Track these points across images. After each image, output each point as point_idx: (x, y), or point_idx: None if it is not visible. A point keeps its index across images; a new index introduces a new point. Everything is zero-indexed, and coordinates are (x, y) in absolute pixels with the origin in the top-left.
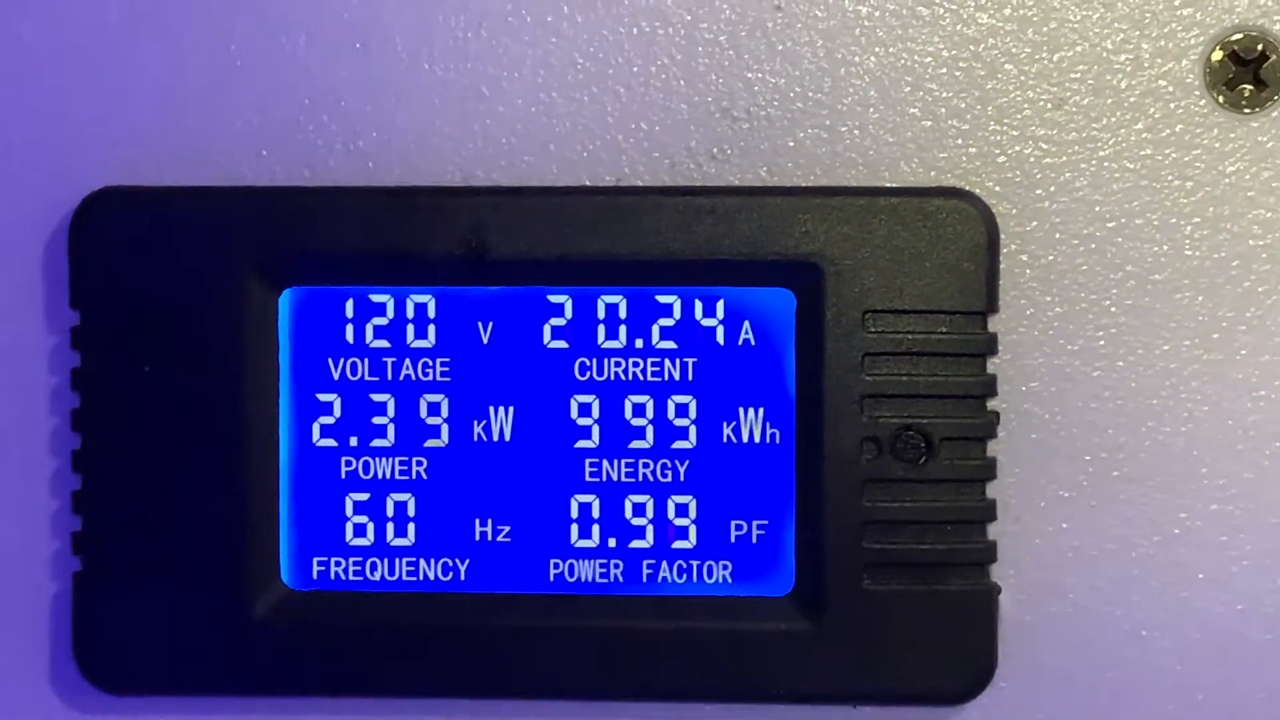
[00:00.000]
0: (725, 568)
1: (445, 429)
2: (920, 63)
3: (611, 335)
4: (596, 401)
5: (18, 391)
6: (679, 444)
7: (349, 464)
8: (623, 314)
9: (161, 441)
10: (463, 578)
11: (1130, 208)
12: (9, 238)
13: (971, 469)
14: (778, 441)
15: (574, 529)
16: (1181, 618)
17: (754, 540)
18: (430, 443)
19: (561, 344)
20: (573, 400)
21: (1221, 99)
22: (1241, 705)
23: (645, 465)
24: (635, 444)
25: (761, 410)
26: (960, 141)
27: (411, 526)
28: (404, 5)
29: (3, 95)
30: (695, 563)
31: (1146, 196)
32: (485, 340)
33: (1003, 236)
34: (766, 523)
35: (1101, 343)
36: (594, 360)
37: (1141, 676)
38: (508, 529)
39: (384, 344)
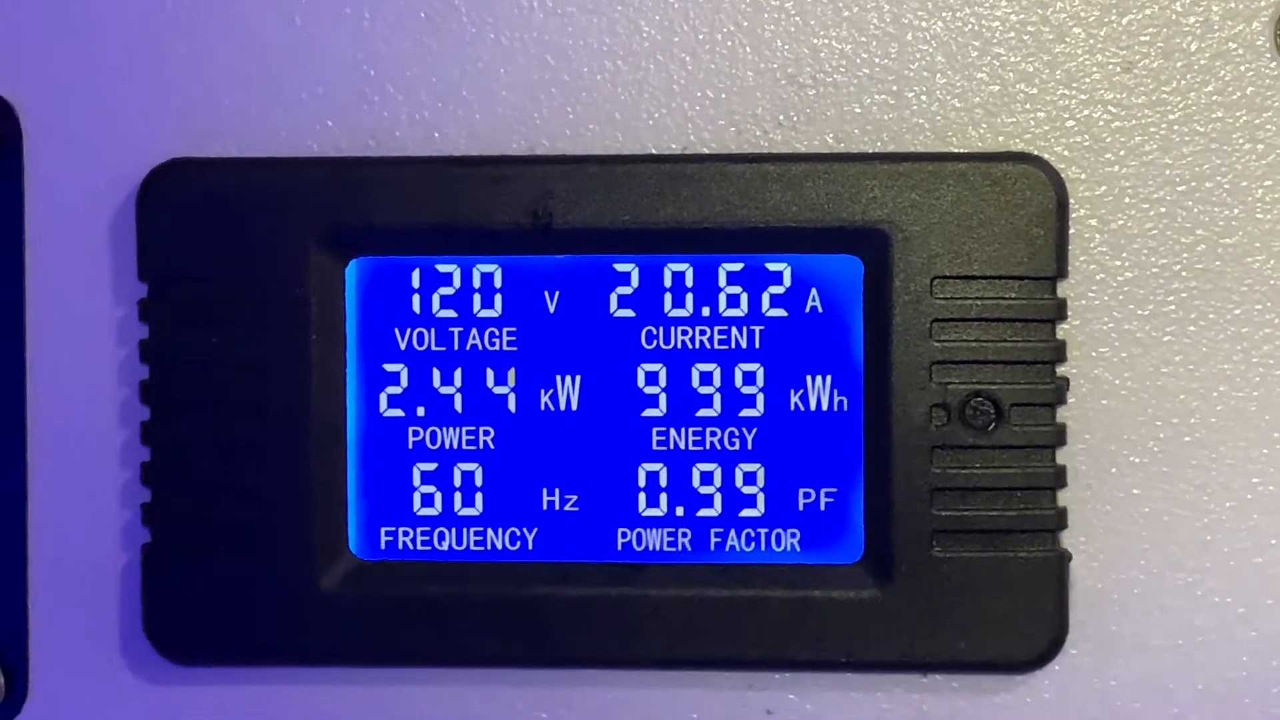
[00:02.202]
0: (793, 536)
1: (512, 398)
2: (988, 27)
3: (678, 303)
4: (663, 370)
5: (86, 364)
6: (746, 412)
7: (416, 434)
8: (689, 282)
9: (229, 413)
10: (530, 547)
11: (1200, 171)
12: (77, 211)
13: (1041, 435)
14: (845, 409)
15: (641, 498)
16: (1255, 584)
17: (822, 508)
18: (497, 412)
19: (628, 313)
20: (640, 369)
21: None
22: None
23: (713, 433)
24: (703, 412)
25: (829, 378)
26: (1028, 106)
27: (479, 496)
28: None
29: (70, 69)
30: (763, 531)
31: (1217, 160)
32: (552, 309)
33: (1072, 201)
34: (835, 490)
35: (1172, 307)
36: (660, 329)
37: (1215, 643)
38: (575, 498)
39: (450, 314)
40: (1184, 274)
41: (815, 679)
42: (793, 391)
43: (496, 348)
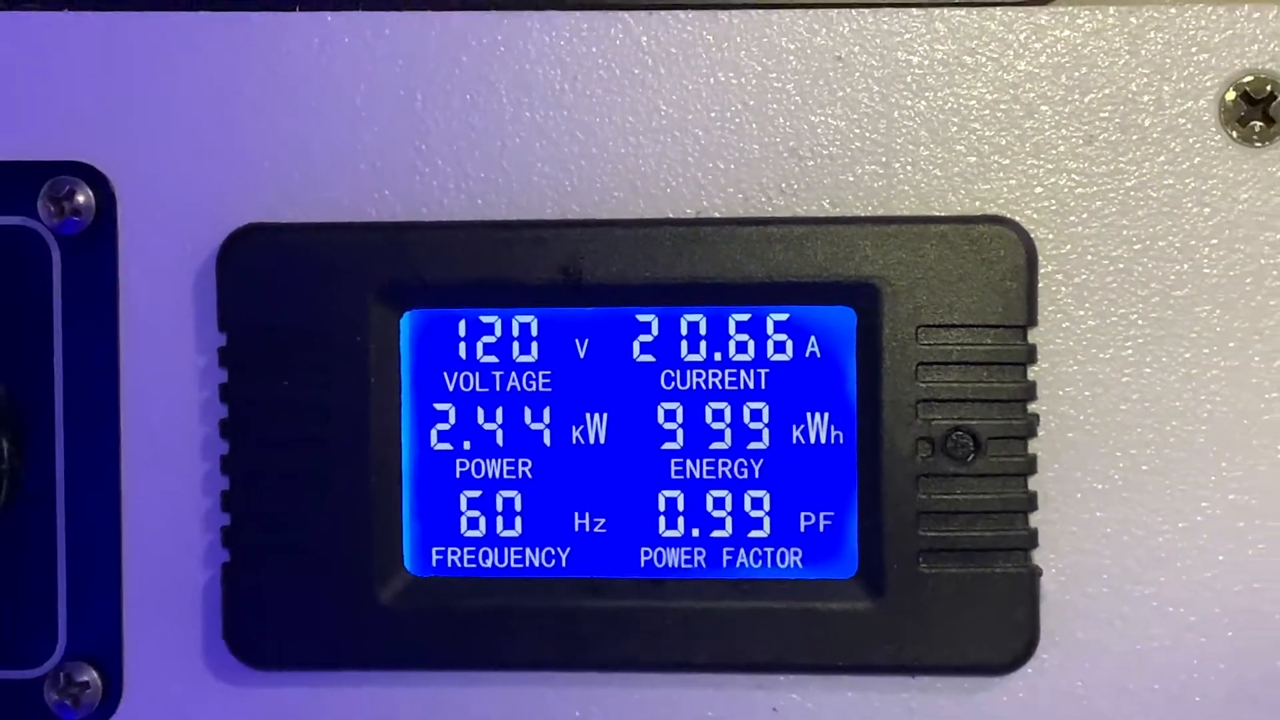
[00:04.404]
0: (796, 553)
1: (547, 433)
2: (965, 105)
3: (693, 349)
4: (680, 408)
5: (174, 405)
6: (754, 445)
7: (463, 465)
8: (703, 330)
9: (298, 447)
10: (564, 564)
11: (1154, 231)
12: (165, 270)
13: (1015, 465)
14: (841, 442)
15: (662, 520)
16: (1204, 596)
17: (821, 529)
18: (534, 446)
19: (649, 358)
20: (659, 407)
21: (1235, 134)
22: (1259, 675)
23: (724, 464)
24: (715, 445)
25: (827, 415)
26: (1002, 174)
27: (518, 519)
28: (507, 61)
29: (157, 143)
30: (769, 549)
31: (1169, 221)
32: (582, 355)
33: (1040, 258)
34: (832, 514)
35: (1130, 352)
36: (678, 372)
37: (1168, 649)
38: (603, 521)
39: (492, 359)
40: (1140, 322)
41: (816, 680)
42: (795, 427)
43: (533, 389)
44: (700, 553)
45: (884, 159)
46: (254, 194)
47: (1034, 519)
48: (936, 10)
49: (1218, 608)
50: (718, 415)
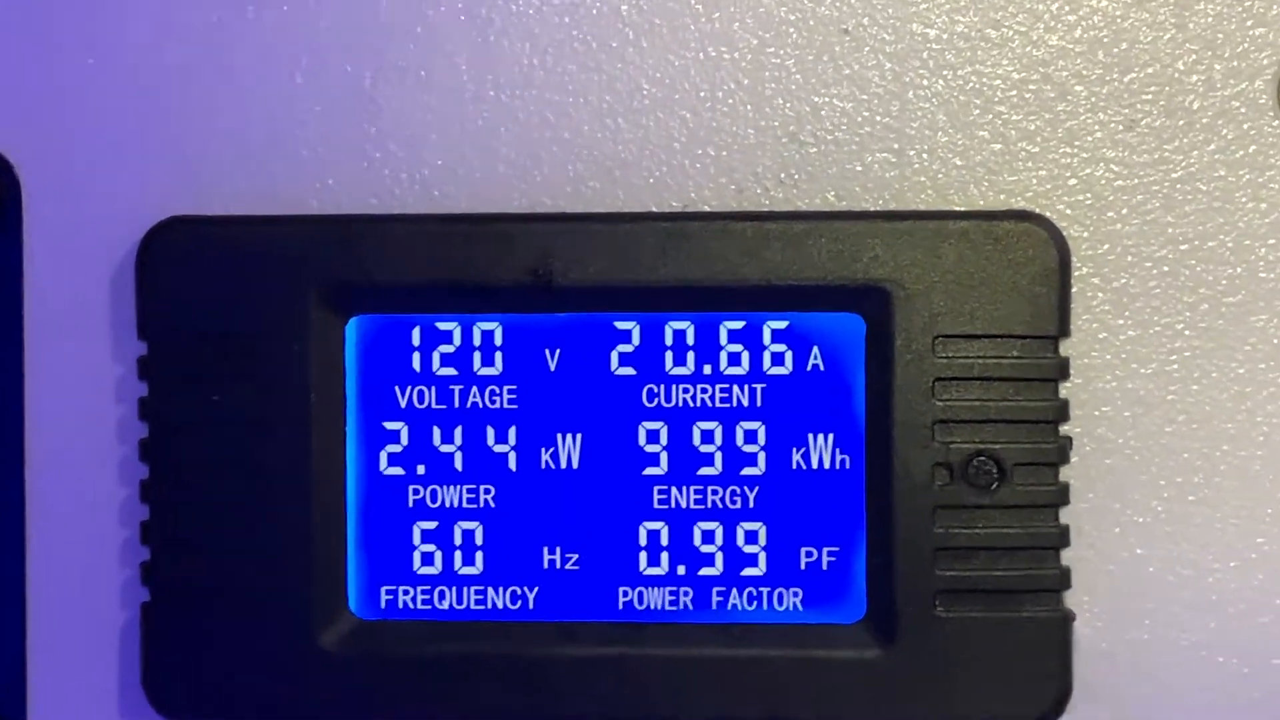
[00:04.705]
0: (795, 595)
1: (513, 456)
2: (989, 85)
3: (679, 361)
4: (665, 428)
5: (86, 422)
6: (748, 470)
7: (416, 492)
8: (690, 340)
9: (229, 471)
10: (531, 606)
11: (1203, 230)
12: (76, 269)
13: (1044, 494)
14: (848, 467)
15: (643, 556)
16: (1261, 645)
17: (824, 567)
18: (497, 471)
19: (629, 370)
20: (641, 427)
21: None
22: None
23: (714, 492)
24: (704, 470)
25: (831, 436)
26: (1030, 164)
27: (479, 554)
28: (468, 34)
29: (69, 125)
30: (765, 590)
31: (1220, 218)
32: (552, 367)
33: (1074, 260)
34: (837, 549)
35: (1175, 366)
36: (661, 387)
37: (1219, 705)
38: (576, 557)
39: (451, 371)
40: (1187, 333)
41: None
42: (794, 450)
43: (497, 405)
44: (686, 593)
45: (896, 146)
46: (179, 183)
47: (1066, 556)
48: None
49: (1275, 658)
50: (707, 436)
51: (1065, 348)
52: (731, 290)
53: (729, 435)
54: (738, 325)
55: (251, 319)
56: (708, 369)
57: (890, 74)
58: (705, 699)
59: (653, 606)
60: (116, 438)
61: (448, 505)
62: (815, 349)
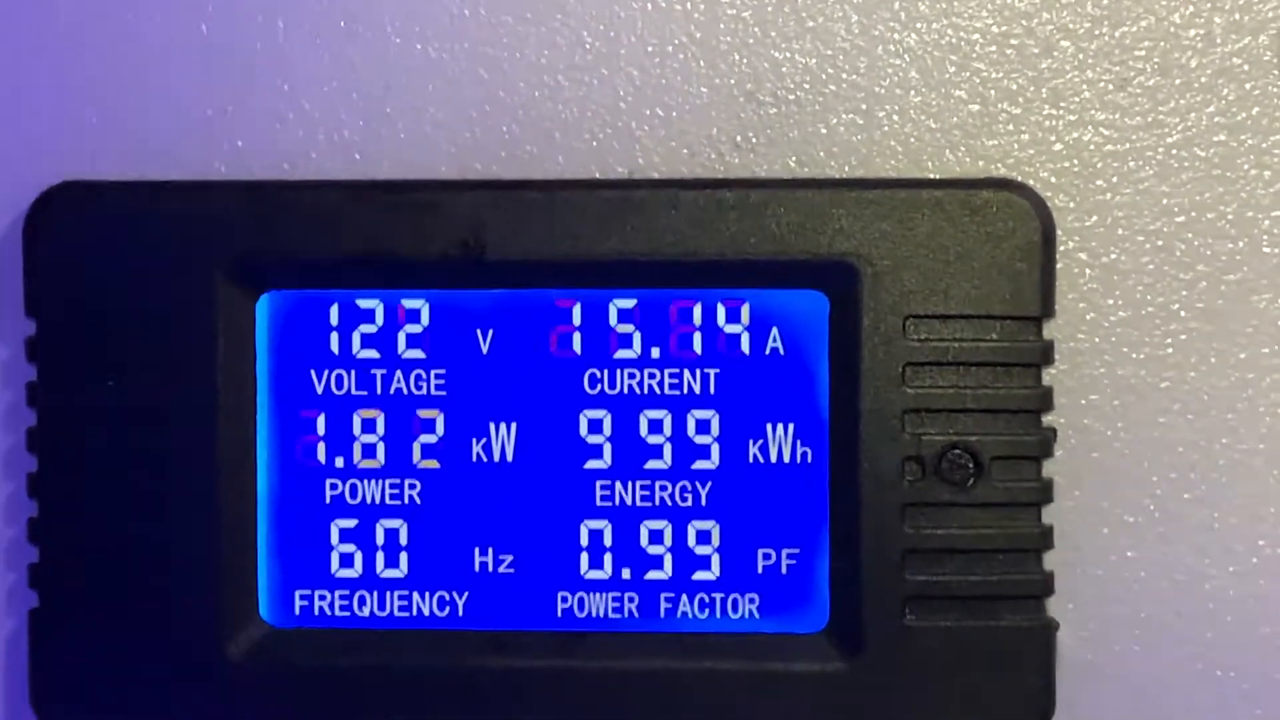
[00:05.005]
0: (752, 601)
1: (441, 448)
2: (966, 40)
3: (624, 344)
4: (608, 417)
5: None
6: (700, 464)
7: (334, 487)
8: (637, 320)
9: (127, 463)
10: (460, 613)
11: (1201, 200)
12: None
13: (1025, 492)
14: (809, 461)
15: (584, 558)
16: (1263, 657)
17: (783, 571)
18: (424, 464)
19: (569, 353)
20: (582, 416)
21: None
22: None
23: (663, 488)
24: (651, 464)
25: (791, 427)
26: (1011, 127)
27: (404, 556)
28: None
29: None
30: (718, 596)
31: (1219, 187)
32: (485, 350)
33: (1059, 233)
34: (797, 551)
35: (1170, 350)
36: (605, 371)
37: None
38: (510, 559)
39: (372, 354)
40: (1183, 314)
41: None
42: (751, 442)
43: (423, 392)
44: (632, 599)
45: (864, 107)
46: (71, 144)
47: (1049, 559)
48: None
49: (1279, 672)
50: (655, 426)
51: (1049, 330)
52: (683, 265)
53: (679, 425)
54: (689, 304)
55: (152, 295)
56: (656, 352)
57: (857, 27)
58: (653, 715)
59: (595, 614)
60: (2, 426)
61: (369, 501)
62: (774, 330)
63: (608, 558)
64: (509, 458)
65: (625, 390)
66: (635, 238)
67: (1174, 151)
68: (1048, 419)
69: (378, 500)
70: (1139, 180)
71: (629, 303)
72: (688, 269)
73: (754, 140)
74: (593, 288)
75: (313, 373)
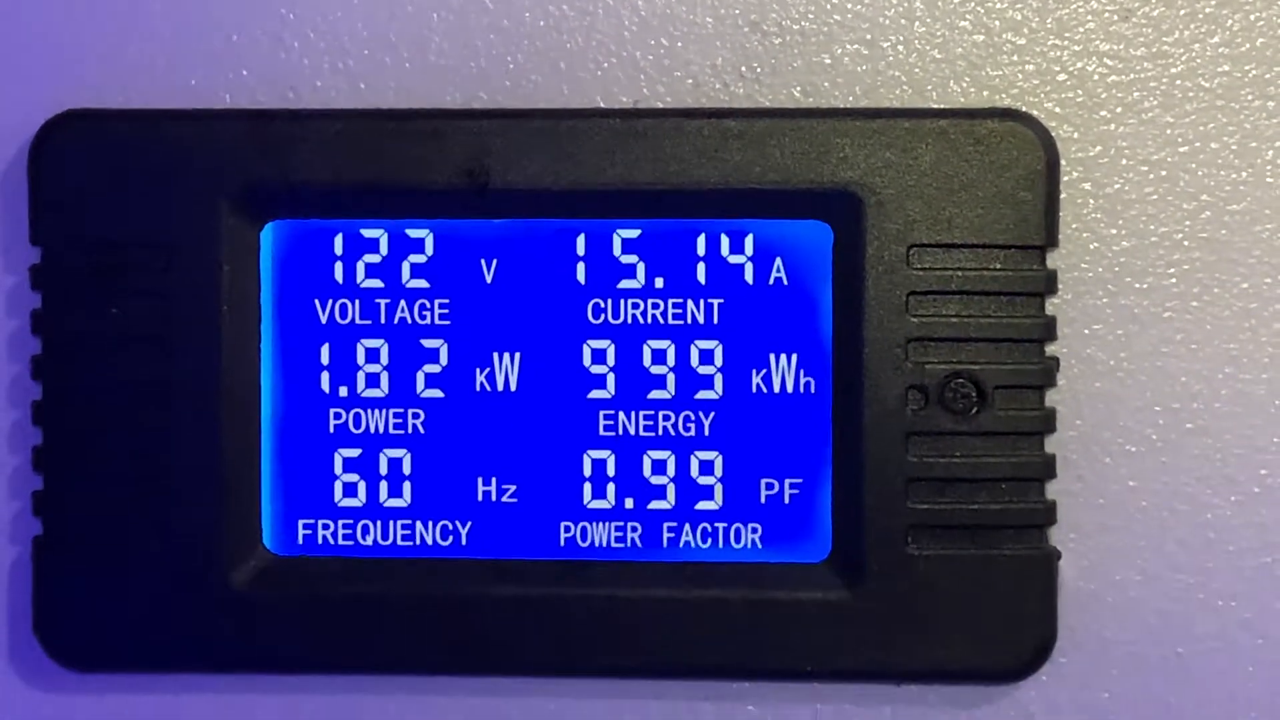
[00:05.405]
0: (754, 531)
1: (444, 377)
2: None
3: (628, 274)
4: (612, 347)
5: None
6: (703, 394)
7: (338, 417)
8: (640, 250)
9: (131, 392)
10: (463, 542)
11: (1205, 130)
12: None
13: (1028, 420)
14: (813, 391)
15: (587, 488)
16: (1262, 586)
17: (786, 500)
18: (427, 393)
19: (573, 283)
20: (585, 346)
21: None
22: None
23: (666, 418)
24: (655, 394)
25: (794, 356)
26: (1016, 58)
27: (407, 485)
28: None
29: None
30: (721, 525)
31: (1223, 118)
32: (489, 279)
33: (1063, 163)
34: (800, 481)
35: (1173, 280)
36: (609, 301)
37: (1216, 651)
38: (513, 488)
39: (376, 283)
40: (1186, 243)
41: (777, 689)
42: (754, 371)
43: (427, 321)
44: (635, 529)
45: (869, 37)
46: (75, 73)
47: (1051, 488)
48: None
49: (1278, 601)
50: (658, 356)
51: (1053, 259)
52: (687, 195)
53: (683, 355)
54: (693, 234)
55: (157, 224)
56: (659, 282)
57: None
58: (655, 645)
59: (597, 544)
60: (7, 354)
61: (373, 431)
62: (778, 260)
63: (611, 487)
64: (512, 387)
65: (628, 320)
66: (640, 167)
67: (1178, 82)
68: (1050, 348)
69: (381, 429)
70: (1143, 111)
71: (633, 233)
72: (692, 199)
73: (758, 70)
74: (597, 217)
75: (317, 302)
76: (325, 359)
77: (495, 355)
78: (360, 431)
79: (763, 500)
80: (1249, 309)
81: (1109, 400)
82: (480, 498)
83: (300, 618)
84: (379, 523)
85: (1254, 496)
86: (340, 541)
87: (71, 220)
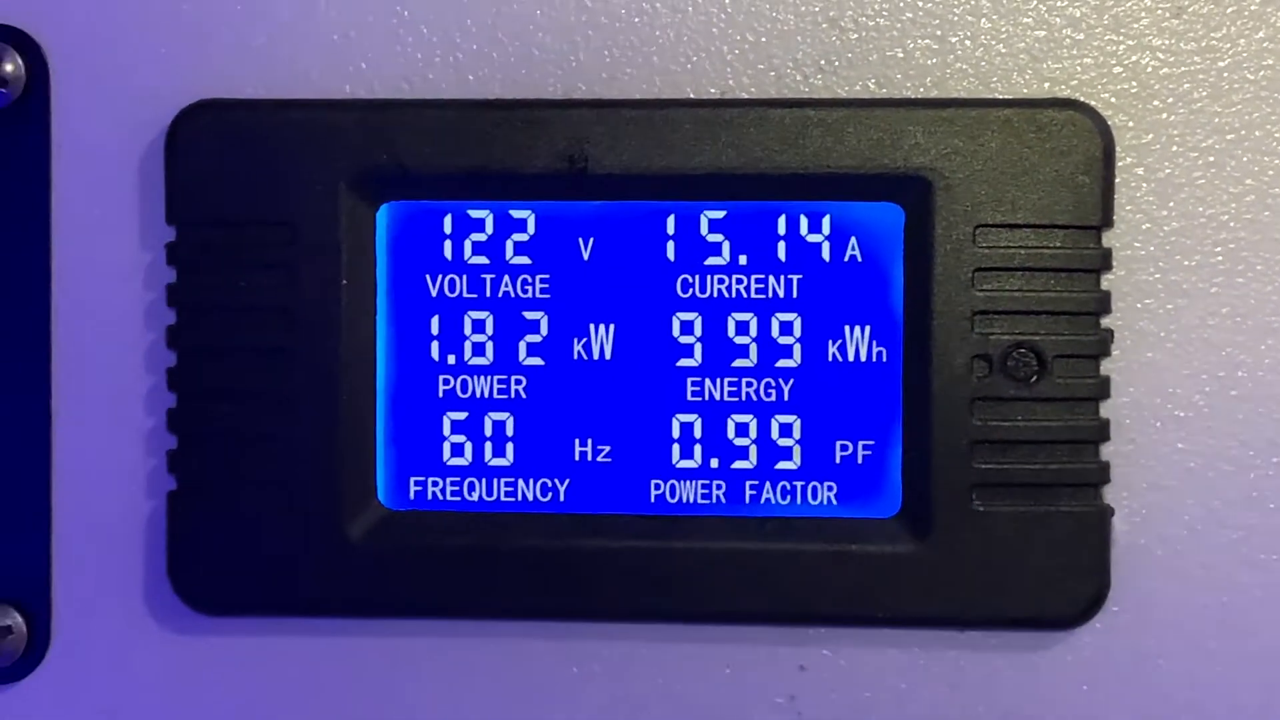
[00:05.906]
0: (830, 488)
1: (545, 347)
2: None
3: (714, 251)
4: (699, 319)
5: (112, 308)
6: (783, 362)
7: (447, 382)
8: (726, 230)
9: (257, 360)
10: (562, 498)
11: (1250, 119)
12: (104, 153)
13: (1084, 388)
14: (884, 360)
15: (675, 449)
16: None
17: (859, 461)
18: (529, 361)
19: (664, 260)
20: (675, 318)
21: None
22: None
23: (748, 384)
24: (738, 362)
25: (868, 328)
26: (1075, 51)
27: (510, 446)
28: None
29: (101, 6)
30: (799, 483)
31: (1267, 108)
32: (586, 257)
33: (1118, 149)
34: (872, 443)
35: (1219, 258)
36: (696, 277)
37: (1259, 604)
38: (608, 449)
39: (483, 260)
40: (1232, 224)
41: (850, 634)
42: (830, 342)
43: (529, 295)
44: (719, 486)
45: (939, 32)
46: (209, 65)
47: (1105, 450)
48: None
49: None
50: (742, 328)
51: (1108, 238)
52: (769, 179)
53: (764, 327)
54: (775, 215)
55: (281, 205)
56: (743, 259)
57: None
58: (737, 593)
59: (685, 500)
60: (144, 324)
61: (478, 396)
62: (853, 239)
63: (697, 448)
64: (607, 356)
65: (714, 294)
66: (725, 153)
67: (1225, 75)
68: (1106, 321)
69: (486, 395)
70: (1193, 101)
71: (719, 214)
72: (774, 182)
73: (836, 63)
74: (686, 199)
75: (427, 277)
76: (435, 329)
77: (591, 326)
78: (467, 396)
79: (838, 460)
80: None
81: (1159, 369)
82: (577, 457)
83: (411, 567)
84: (484, 480)
85: None
86: (448, 497)
87: (203, 201)
